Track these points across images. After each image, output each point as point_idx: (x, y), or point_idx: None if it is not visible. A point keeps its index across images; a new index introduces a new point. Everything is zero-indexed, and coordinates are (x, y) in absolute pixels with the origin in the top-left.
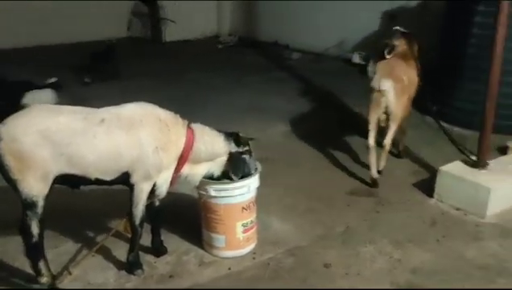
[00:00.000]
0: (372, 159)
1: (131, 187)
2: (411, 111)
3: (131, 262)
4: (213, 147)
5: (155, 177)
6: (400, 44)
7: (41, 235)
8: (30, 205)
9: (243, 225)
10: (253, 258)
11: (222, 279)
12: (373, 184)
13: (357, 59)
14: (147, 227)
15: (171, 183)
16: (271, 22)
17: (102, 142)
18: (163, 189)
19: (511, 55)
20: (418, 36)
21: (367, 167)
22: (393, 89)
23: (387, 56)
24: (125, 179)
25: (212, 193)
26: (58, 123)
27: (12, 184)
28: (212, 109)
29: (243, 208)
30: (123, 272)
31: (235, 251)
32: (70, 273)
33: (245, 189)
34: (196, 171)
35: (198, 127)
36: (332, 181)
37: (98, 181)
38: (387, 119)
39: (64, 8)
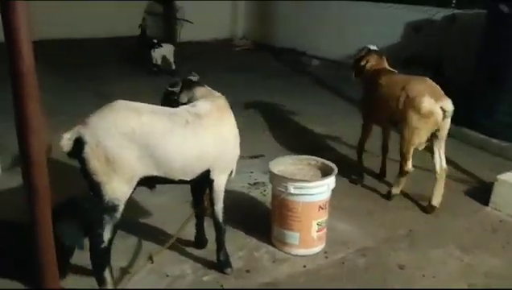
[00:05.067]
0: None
1: (210, 183)
2: None
3: (222, 261)
4: None
5: (232, 166)
6: (374, 62)
7: (111, 242)
8: (110, 208)
9: (318, 223)
10: (326, 257)
11: (300, 276)
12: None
13: None
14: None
15: None
16: (287, 29)
17: (190, 144)
18: (233, 173)
19: None
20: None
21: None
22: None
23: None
24: (204, 176)
25: (292, 191)
26: (142, 124)
27: (94, 186)
28: (242, 111)
29: (320, 207)
30: (199, 265)
31: (307, 249)
32: (152, 261)
33: (325, 188)
34: None
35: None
36: (382, 184)
37: (180, 181)
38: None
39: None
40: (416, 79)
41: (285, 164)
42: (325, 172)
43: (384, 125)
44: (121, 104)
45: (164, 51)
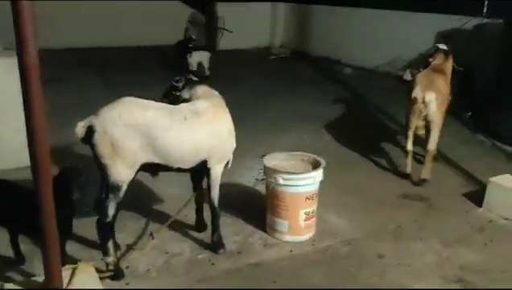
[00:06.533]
0: (408, 161)
1: (207, 172)
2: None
3: (216, 242)
4: None
5: (227, 157)
6: (436, 59)
7: (115, 217)
8: (114, 188)
9: (305, 213)
10: (313, 245)
11: (285, 260)
12: (406, 176)
13: (408, 76)
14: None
15: None
16: (323, 38)
17: (187, 138)
18: (230, 163)
19: None
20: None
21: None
22: (435, 100)
23: (421, 70)
24: (201, 165)
25: (281, 182)
26: (146, 118)
27: (102, 168)
28: (270, 115)
29: (307, 197)
30: (196, 245)
31: (296, 237)
32: (153, 237)
33: (311, 181)
34: None
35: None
36: (385, 185)
37: (179, 170)
38: (426, 127)
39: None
40: (423, 73)
41: (280, 159)
42: (316, 167)
43: None
44: (128, 99)
45: (200, 58)
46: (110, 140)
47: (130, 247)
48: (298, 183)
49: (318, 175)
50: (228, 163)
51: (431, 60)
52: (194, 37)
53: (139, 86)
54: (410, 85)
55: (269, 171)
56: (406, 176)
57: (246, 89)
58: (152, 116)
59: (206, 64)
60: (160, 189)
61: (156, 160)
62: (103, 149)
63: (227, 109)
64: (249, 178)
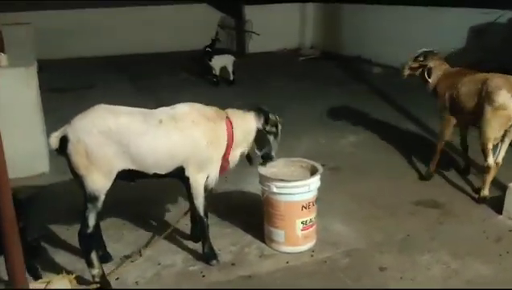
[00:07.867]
0: (489, 178)
1: (186, 180)
2: None
3: (207, 253)
4: (247, 127)
5: (208, 169)
6: (440, 63)
7: (96, 227)
8: (92, 198)
9: (302, 222)
10: (312, 256)
11: (279, 272)
12: (483, 200)
13: None
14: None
15: (221, 171)
16: (354, 37)
17: (161, 142)
18: (213, 179)
19: None
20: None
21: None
22: None
23: (429, 79)
24: (179, 172)
25: (274, 190)
26: (118, 124)
27: (78, 179)
28: (288, 118)
29: (303, 206)
30: (190, 257)
31: (293, 247)
32: (141, 255)
33: (306, 188)
34: (235, 154)
35: (233, 115)
36: (399, 191)
37: (155, 175)
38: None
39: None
40: (498, 75)
41: (278, 166)
42: (314, 174)
43: (465, 123)
44: (101, 107)
45: (224, 62)
46: (85, 148)
47: (122, 259)
48: (292, 191)
49: (314, 182)
50: (208, 176)
51: (431, 65)
52: (220, 40)
53: (166, 89)
54: (485, 91)
55: (262, 179)
56: (483, 200)
57: (272, 91)
58: (124, 122)
59: (230, 68)
60: (169, 199)
61: (133, 167)
62: (78, 158)
63: (209, 118)
64: (258, 185)
